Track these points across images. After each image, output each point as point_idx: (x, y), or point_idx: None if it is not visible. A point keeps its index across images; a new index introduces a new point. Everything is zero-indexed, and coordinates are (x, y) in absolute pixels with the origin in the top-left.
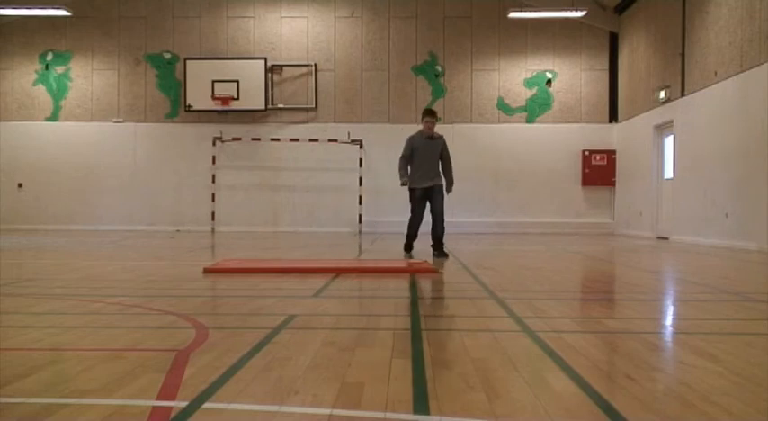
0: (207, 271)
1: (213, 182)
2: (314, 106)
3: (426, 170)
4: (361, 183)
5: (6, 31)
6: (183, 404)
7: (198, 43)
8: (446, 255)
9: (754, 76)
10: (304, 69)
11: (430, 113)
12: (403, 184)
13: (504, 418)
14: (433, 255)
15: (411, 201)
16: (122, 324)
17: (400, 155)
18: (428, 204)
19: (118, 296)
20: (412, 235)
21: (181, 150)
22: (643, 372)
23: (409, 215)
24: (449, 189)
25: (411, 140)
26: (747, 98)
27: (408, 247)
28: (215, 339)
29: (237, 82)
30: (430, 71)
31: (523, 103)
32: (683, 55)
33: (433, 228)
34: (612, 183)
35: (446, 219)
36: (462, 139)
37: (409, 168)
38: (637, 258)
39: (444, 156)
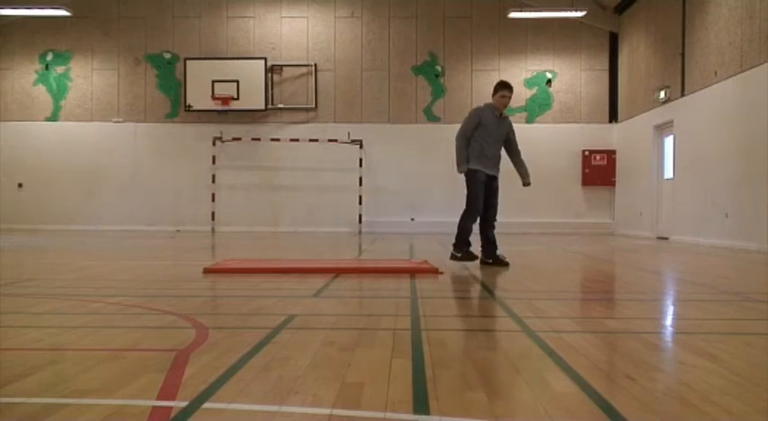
0: (207, 271)
1: (213, 182)
2: (314, 106)
3: (495, 152)
4: (361, 183)
5: (6, 31)
6: (183, 404)
7: (198, 43)
8: (506, 263)
9: (754, 76)
10: (304, 69)
11: (508, 87)
12: (462, 172)
13: (504, 418)
14: (486, 262)
15: (470, 185)
16: (122, 324)
17: (458, 132)
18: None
19: (118, 296)
20: (469, 229)
21: (181, 150)
22: (643, 372)
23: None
24: (527, 180)
25: (479, 113)
26: (747, 98)
27: (467, 246)
28: (215, 339)
29: (237, 82)
30: (430, 71)
31: (523, 103)
32: (683, 55)
33: (484, 227)
34: (612, 184)
35: (445, 219)
36: None
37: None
38: (637, 258)
39: (513, 142)
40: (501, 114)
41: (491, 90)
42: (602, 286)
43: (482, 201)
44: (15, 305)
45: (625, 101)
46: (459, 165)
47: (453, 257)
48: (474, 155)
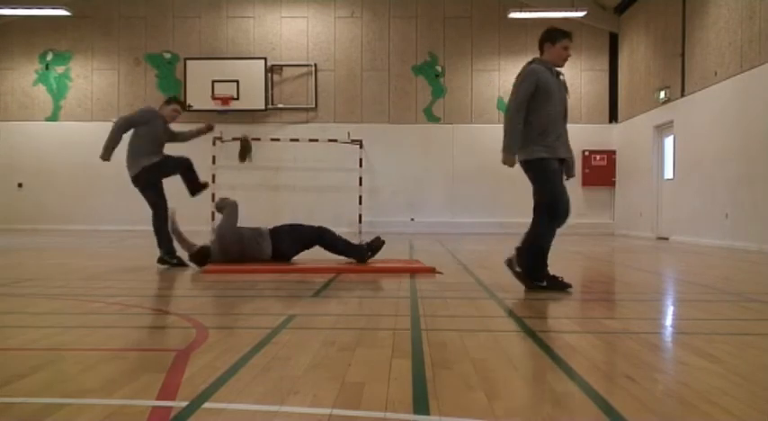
0: (207, 271)
1: (213, 182)
2: (314, 106)
3: (563, 127)
4: (361, 183)
5: (6, 31)
6: (183, 404)
7: (198, 43)
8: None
9: (754, 76)
10: (304, 69)
11: (568, 35)
12: (508, 163)
13: (504, 418)
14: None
15: (545, 179)
16: (122, 324)
17: (513, 103)
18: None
19: (118, 296)
20: (546, 249)
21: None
22: (643, 373)
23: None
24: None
25: (536, 73)
26: (747, 98)
27: (541, 271)
28: (215, 339)
29: (237, 82)
30: (430, 71)
31: None
32: (683, 55)
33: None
34: (612, 184)
35: (445, 219)
36: (462, 140)
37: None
38: (637, 258)
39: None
40: (560, 72)
41: (491, 90)
42: (602, 286)
43: (565, 197)
44: (15, 305)
45: (625, 101)
46: (507, 150)
47: (534, 287)
48: (538, 136)
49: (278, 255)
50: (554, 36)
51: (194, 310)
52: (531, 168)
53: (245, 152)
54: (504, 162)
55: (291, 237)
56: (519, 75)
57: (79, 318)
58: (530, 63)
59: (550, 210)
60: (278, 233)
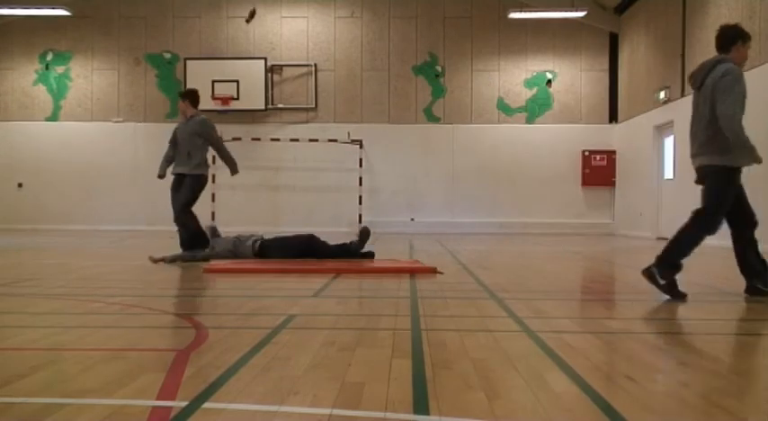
0: (207, 271)
1: (213, 182)
2: (314, 106)
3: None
4: (361, 183)
5: (6, 31)
6: (183, 404)
7: (198, 43)
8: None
9: (755, 76)
10: (304, 69)
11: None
12: (758, 161)
13: (504, 418)
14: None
15: (723, 191)
16: (122, 324)
17: (731, 107)
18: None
19: (118, 296)
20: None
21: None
22: (643, 373)
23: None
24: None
25: (743, 76)
26: (748, 98)
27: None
28: (215, 339)
29: (237, 82)
30: (430, 71)
31: (523, 104)
32: (683, 55)
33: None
34: (612, 184)
35: (445, 219)
36: (462, 140)
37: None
38: (637, 258)
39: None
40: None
41: (491, 90)
42: (602, 286)
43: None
44: (15, 305)
45: (625, 101)
46: (750, 149)
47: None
48: (731, 145)
49: None
50: (746, 36)
51: (194, 310)
52: (722, 175)
53: (251, 17)
54: (758, 160)
55: (281, 251)
56: (719, 73)
57: (79, 318)
58: (723, 61)
59: (712, 217)
60: (266, 248)
